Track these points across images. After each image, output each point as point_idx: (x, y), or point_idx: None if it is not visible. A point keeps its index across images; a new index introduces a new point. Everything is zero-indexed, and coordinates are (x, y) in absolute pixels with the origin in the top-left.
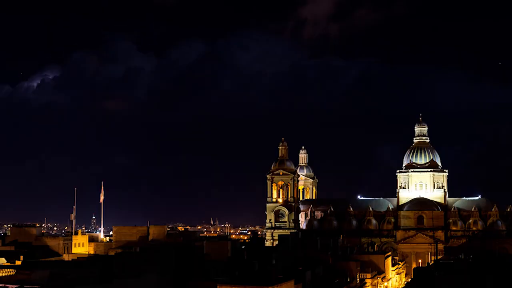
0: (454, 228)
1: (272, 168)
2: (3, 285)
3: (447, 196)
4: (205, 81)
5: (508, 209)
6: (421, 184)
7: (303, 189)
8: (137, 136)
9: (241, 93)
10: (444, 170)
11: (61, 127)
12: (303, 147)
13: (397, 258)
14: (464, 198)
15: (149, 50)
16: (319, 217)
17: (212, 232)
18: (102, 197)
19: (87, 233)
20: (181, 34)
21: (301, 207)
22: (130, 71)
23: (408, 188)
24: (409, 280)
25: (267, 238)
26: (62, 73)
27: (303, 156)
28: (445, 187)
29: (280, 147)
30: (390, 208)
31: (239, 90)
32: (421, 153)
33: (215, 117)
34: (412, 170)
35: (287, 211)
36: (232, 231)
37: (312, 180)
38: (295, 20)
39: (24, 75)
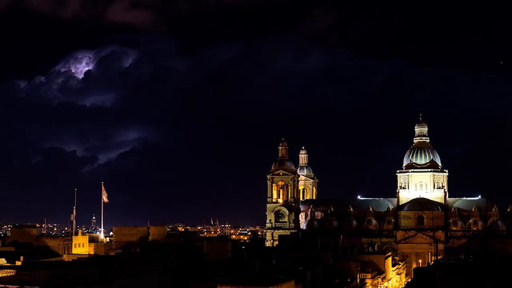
0: (454, 228)
1: (272, 168)
2: (3, 286)
3: (447, 196)
4: (231, 82)
5: (508, 209)
6: (421, 184)
7: (303, 189)
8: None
9: (263, 93)
10: (444, 170)
11: (67, 126)
12: (303, 147)
13: (397, 258)
14: (464, 198)
15: (186, 51)
16: (319, 217)
17: (212, 232)
18: (105, 197)
19: (87, 234)
20: (216, 36)
21: (301, 207)
22: (161, 70)
23: (408, 188)
24: (409, 280)
25: (267, 238)
26: (90, 68)
27: (303, 156)
28: (445, 187)
29: (280, 147)
30: (390, 208)
31: (264, 90)
32: (421, 153)
33: (226, 117)
34: (412, 170)
35: (287, 211)
36: (232, 231)
37: (312, 180)
38: (321, 23)
39: (45, 68)
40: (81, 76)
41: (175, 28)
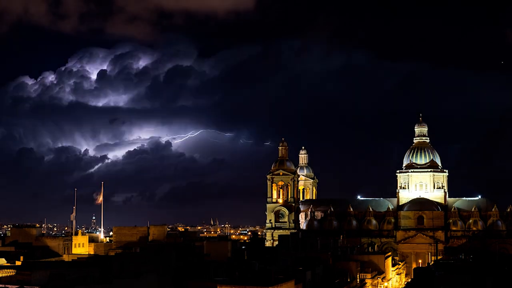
0: (454, 228)
1: (272, 168)
2: (3, 286)
3: (447, 196)
4: (244, 82)
5: (508, 209)
6: (421, 184)
7: (303, 189)
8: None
9: (272, 94)
10: (444, 170)
11: (70, 126)
12: (303, 147)
13: (397, 258)
14: (464, 198)
15: (208, 55)
16: (319, 217)
17: (212, 232)
18: (100, 198)
19: (87, 234)
20: (237, 39)
21: (301, 207)
22: (174, 70)
23: (408, 188)
24: (409, 280)
25: (267, 238)
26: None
27: (303, 157)
28: (445, 187)
29: (280, 147)
30: (390, 208)
31: (274, 91)
32: (421, 153)
33: (229, 117)
34: (412, 170)
35: (287, 211)
36: (232, 231)
37: (312, 180)
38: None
39: (55, 66)
40: (94, 76)
41: (171, 42)
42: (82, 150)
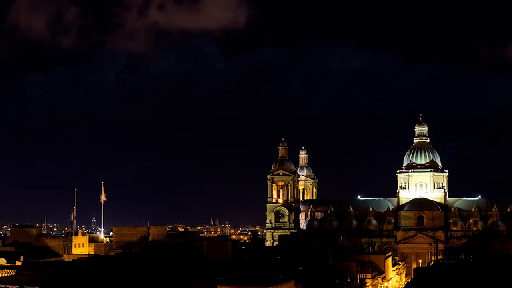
0: (454, 228)
1: (272, 168)
2: (3, 286)
3: (447, 196)
4: (257, 84)
5: (508, 209)
6: (421, 184)
7: (303, 189)
8: (146, 138)
9: (282, 95)
10: (444, 170)
11: (71, 127)
12: (303, 147)
13: (397, 258)
14: (464, 198)
15: (233, 56)
16: (319, 217)
17: (212, 232)
18: (103, 197)
19: (87, 234)
20: (261, 41)
21: (301, 207)
22: (194, 71)
23: (408, 188)
24: (409, 280)
25: (267, 238)
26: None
27: (303, 157)
28: (445, 187)
29: (280, 148)
30: (390, 208)
31: (286, 92)
32: (421, 153)
33: (232, 118)
34: (412, 170)
35: (287, 212)
36: (232, 232)
37: (312, 180)
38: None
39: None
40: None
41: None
42: None
